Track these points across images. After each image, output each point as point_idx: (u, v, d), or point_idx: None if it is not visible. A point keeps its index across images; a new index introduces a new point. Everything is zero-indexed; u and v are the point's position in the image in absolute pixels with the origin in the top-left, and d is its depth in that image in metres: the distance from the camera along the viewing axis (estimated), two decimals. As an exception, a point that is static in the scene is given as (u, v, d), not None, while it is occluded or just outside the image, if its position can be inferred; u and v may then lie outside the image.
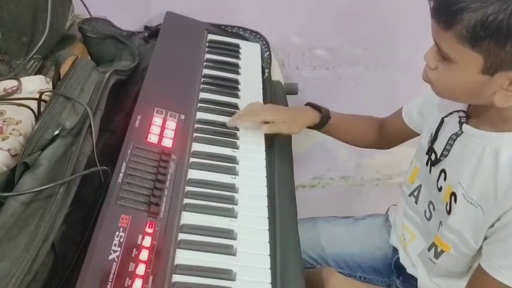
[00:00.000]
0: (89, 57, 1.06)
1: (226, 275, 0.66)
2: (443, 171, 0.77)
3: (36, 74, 0.91)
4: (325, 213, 1.49)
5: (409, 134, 0.93)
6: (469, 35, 0.60)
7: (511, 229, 0.66)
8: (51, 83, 0.87)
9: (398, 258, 0.90)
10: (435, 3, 0.63)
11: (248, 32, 1.20)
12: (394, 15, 1.22)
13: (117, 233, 0.65)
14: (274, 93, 1.10)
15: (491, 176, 0.69)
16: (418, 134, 0.92)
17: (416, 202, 0.86)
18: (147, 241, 0.66)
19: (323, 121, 0.95)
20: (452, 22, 0.61)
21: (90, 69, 0.84)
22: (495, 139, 0.69)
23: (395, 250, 0.93)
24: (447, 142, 0.75)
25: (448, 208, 0.75)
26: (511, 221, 0.66)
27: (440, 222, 0.79)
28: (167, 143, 0.81)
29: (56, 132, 0.70)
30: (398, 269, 0.91)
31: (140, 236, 0.66)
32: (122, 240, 0.65)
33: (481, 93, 0.66)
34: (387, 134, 0.99)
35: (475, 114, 0.73)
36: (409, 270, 0.87)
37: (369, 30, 1.25)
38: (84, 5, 1.09)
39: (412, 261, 0.86)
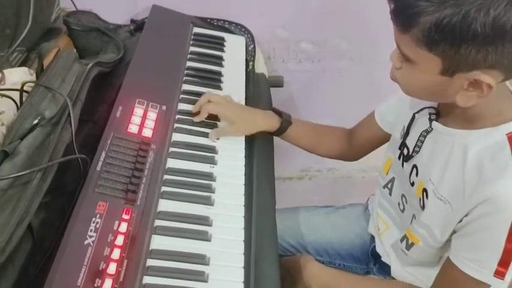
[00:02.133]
0: (75, 50, 1.07)
1: (200, 259, 0.68)
2: (415, 166, 0.79)
3: (20, 66, 0.93)
4: (312, 204, 1.51)
5: (382, 139, 0.91)
6: (425, 38, 0.61)
7: (477, 224, 0.68)
8: (34, 75, 0.89)
9: (374, 246, 0.92)
10: (394, 6, 0.64)
11: (233, 25, 1.21)
12: (379, 9, 1.21)
13: (93, 219, 0.67)
14: (258, 85, 1.11)
15: (459, 173, 0.70)
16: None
17: (390, 194, 0.88)
18: (123, 227, 0.68)
19: (283, 126, 0.93)
20: (410, 25, 0.62)
21: (72, 61, 0.86)
22: (463, 137, 0.70)
23: (372, 238, 0.95)
24: (418, 138, 0.76)
25: (421, 204, 0.77)
26: (479, 216, 0.67)
27: (414, 216, 0.80)
28: (147, 133, 0.83)
29: (35, 122, 0.72)
30: (375, 256, 0.93)
31: (117, 222, 0.68)
32: (98, 226, 0.66)
33: (443, 93, 0.67)
34: (357, 142, 0.97)
35: (444, 112, 0.75)
36: (384, 259, 0.89)
37: (353, 23, 1.26)
38: (70, -2, 1.10)
39: (386, 251, 0.88)
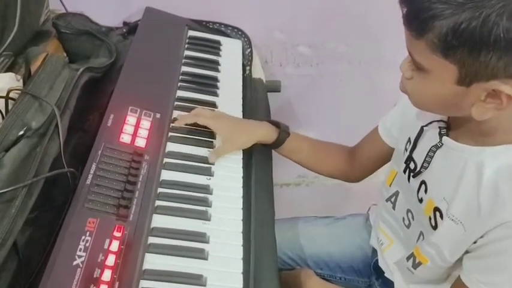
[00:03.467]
0: (65, 54, 1.03)
1: (196, 280, 0.64)
2: (423, 182, 0.74)
3: (7, 71, 0.88)
4: (310, 211, 1.48)
5: (388, 155, 0.85)
6: (441, 44, 0.57)
7: (494, 247, 0.64)
8: (21, 81, 0.85)
9: (377, 260, 0.89)
10: (407, 10, 0.60)
11: (230, 28, 1.17)
12: (378, 11, 1.20)
13: (83, 237, 0.63)
14: (255, 91, 1.08)
15: (473, 192, 0.66)
16: None
17: (394, 208, 0.84)
18: (114, 245, 0.64)
19: (280, 137, 0.87)
20: (424, 30, 0.58)
21: (61, 66, 0.82)
22: (477, 153, 0.66)
23: (375, 251, 0.92)
24: (427, 154, 0.72)
25: (432, 223, 0.73)
26: (496, 239, 0.64)
27: (421, 233, 0.76)
28: (140, 143, 0.79)
29: (21, 133, 0.68)
30: (377, 271, 0.90)
31: (107, 241, 0.64)
32: (88, 244, 0.63)
33: (458, 105, 0.63)
34: (360, 161, 0.91)
35: (455, 125, 0.70)
36: (387, 275, 0.85)
37: (352, 26, 1.23)
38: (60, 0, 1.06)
39: (389, 267, 0.84)
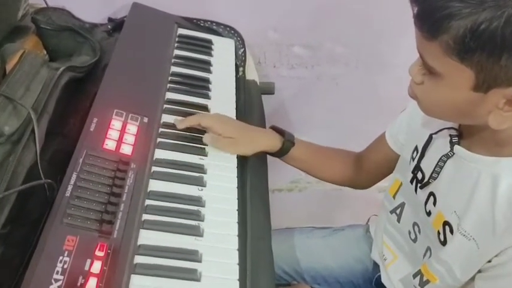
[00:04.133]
0: (44, 52, 0.96)
1: (188, 305, 0.58)
2: (432, 194, 0.70)
3: (-20, 69, 0.81)
4: (303, 217, 1.43)
5: (395, 161, 0.81)
6: (457, 46, 0.52)
7: (509, 268, 0.60)
8: (-5, 80, 0.77)
9: (380, 276, 0.83)
10: (419, 9, 0.55)
11: (222, 26, 1.12)
12: (376, 11, 1.16)
13: (60, 257, 0.56)
14: (249, 93, 1.02)
15: (488, 207, 0.61)
16: None
17: (398, 221, 0.79)
18: (96, 267, 0.57)
19: (285, 147, 0.84)
20: (438, 31, 0.53)
21: (39, 65, 0.75)
22: (492, 165, 0.61)
23: (376, 266, 0.86)
24: (437, 164, 0.67)
25: (441, 238, 0.68)
26: (510, 259, 0.59)
27: (429, 249, 0.71)
28: (126, 149, 0.73)
29: (-8, 139, 0.61)
30: (380, 287, 0.85)
31: (89, 261, 0.57)
32: (66, 266, 0.56)
33: (473, 113, 0.58)
34: (368, 168, 0.87)
35: (468, 134, 0.66)
36: (391, 292, 0.80)
37: (349, 27, 1.18)
38: (40, -7, 0.99)
39: (393, 285, 0.79)
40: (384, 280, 0.82)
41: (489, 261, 0.62)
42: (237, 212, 0.72)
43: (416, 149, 0.74)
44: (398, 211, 0.79)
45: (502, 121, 0.57)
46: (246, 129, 0.83)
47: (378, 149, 0.85)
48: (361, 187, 0.93)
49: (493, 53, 0.51)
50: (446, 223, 0.67)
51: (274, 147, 0.84)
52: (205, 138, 0.79)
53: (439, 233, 0.68)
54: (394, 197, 0.80)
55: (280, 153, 0.85)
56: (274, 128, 0.86)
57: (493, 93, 0.55)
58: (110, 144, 0.72)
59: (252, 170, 0.81)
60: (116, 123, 0.75)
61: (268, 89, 1.14)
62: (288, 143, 0.84)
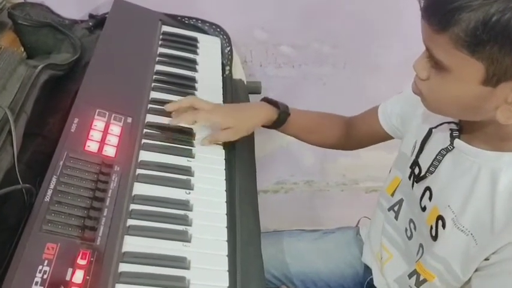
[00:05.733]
0: (22, 49, 0.92)
1: (176, 314, 0.55)
2: (428, 189, 0.69)
3: (-48, 67, 0.77)
4: (289, 219, 1.41)
5: (382, 137, 0.84)
6: (468, 38, 0.51)
7: (507, 266, 0.59)
8: (-31, 79, 0.73)
9: (371, 279, 0.82)
10: (427, 1, 0.54)
11: (207, 24, 1.09)
12: (364, 11, 1.14)
13: (40, 267, 0.53)
14: (236, 92, 1.00)
15: (487, 202, 0.60)
16: (392, 138, 0.84)
17: (396, 218, 0.78)
18: (78, 276, 0.54)
19: (281, 118, 0.84)
20: (448, 23, 0.52)
21: (17, 63, 0.71)
22: (493, 159, 0.60)
23: (367, 269, 0.85)
24: (435, 157, 0.66)
25: (433, 233, 0.67)
26: (510, 256, 0.58)
27: (421, 246, 0.70)
28: (109, 151, 0.70)
29: (-35, 141, 0.57)
30: (371, 290, 0.83)
31: (70, 270, 0.54)
32: (45, 276, 0.53)
33: (481, 108, 0.57)
34: (356, 134, 0.89)
35: (469, 128, 0.65)
36: (385, 294, 0.79)
37: (338, 27, 1.17)
38: (17, -13, 0.95)
39: (388, 285, 0.78)
40: (377, 282, 0.81)
41: (486, 259, 0.61)
42: (226, 216, 0.69)
43: (415, 144, 0.73)
44: (396, 208, 0.78)
45: (510, 116, 0.55)
46: (241, 110, 0.83)
47: (368, 121, 0.85)
48: (347, 149, 0.94)
49: (506, 45, 0.50)
50: (440, 217, 0.66)
51: (271, 119, 0.84)
52: (204, 142, 0.78)
53: (431, 228, 0.67)
54: (392, 194, 0.79)
55: (277, 125, 0.85)
56: (267, 100, 0.86)
57: (502, 87, 0.54)
58: (92, 146, 0.69)
59: (240, 172, 0.79)
60: (98, 124, 0.72)
61: (254, 89, 1.12)
62: (283, 114, 0.84)
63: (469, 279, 0.64)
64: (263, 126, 0.85)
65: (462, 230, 0.63)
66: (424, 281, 0.69)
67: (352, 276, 0.89)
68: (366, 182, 1.46)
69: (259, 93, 1.14)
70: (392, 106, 0.81)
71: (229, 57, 1.07)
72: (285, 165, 1.43)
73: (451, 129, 0.65)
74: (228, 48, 1.08)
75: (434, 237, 0.67)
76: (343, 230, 0.94)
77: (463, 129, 0.65)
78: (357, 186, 1.49)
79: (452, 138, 0.65)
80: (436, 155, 0.66)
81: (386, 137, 0.84)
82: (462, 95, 0.56)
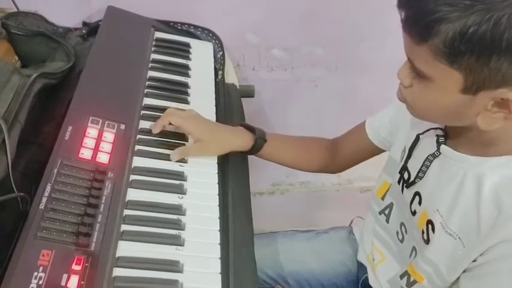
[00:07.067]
0: (16, 58, 0.93)
1: (169, 317, 0.57)
2: (417, 194, 0.70)
3: None
4: (285, 221, 1.42)
5: (371, 153, 0.84)
6: (446, 49, 0.53)
7: (496, 266, 0.60)
8: (-36, 89, 0.74)
9: (366, 278, 0.83)
10: (407, 13, 0.55)
11: (200, 29, 1.10)
12: (354, 14, 1.16)
13: (35, 273, 0.54)
14: (229, 97, 1.01)
15: (473, 206, 0.61)
16: (380, 152, 0.84)
17: (387, 221, 0.79)
18: (73, 282, 0.55)
19: (257, 145, 0.82)
20: (428, 35, 0.53)
21: (10, 72, 0.72)
22: (478, 164, 0.62)
23: (362, 267, 0.86)
24: (423, 163, 0.68)
25: (425, 237, 0.68)
26: (498, 257, 0.59)
27: (414, 248, 0.72)
28: (103, 158, 0.71)
29: (-40, 151, 0.58)
30: (366, 289, 0.85)
31: (65, 276, 0.55)
32: (41, 282, 0.54)
33: (462, 115, 0.58)
34: (343, 154, 0.88)
35: (454, 134, 0.66)
36: (379, 294, 0.80)
37: (329, 30, 1.18)
38: (10, -3, 0.96)
39: (381, 286, 0.79)
40: (371, 282, 0.82)
41: (474, 261, 0.62)
42: (218, 219, 0.70)
43: (404, 150, 0.74)
44: (387, 212, 0.79)
45: (490, 122, 0.57)
46: (215, 129, 0.81)
47: (356, 138, 0.86)
48: (335, 172, 0.94)
49: (482, 55, 0.52)
50: (429, 222, 0.67)
51: (246, 146, 0.83)
52: (173, 156, 0.76)
53: (423, 231, 0.68)
54: (382, 198, 0.80)
55: (253, 151, 0.84)
56: (245, 126, 0.85)
57: (481, 96, 0.55)
58: (85, 153, 0.70)
59: (233, 176, 0.80)
60: (92, 131, 0.73)
61: (248, 92, 1.13)
62: (259, 140, 0.83)
63: (457, 280, 0.65)
64: (241, 152, 0.83)
65: (450, 234, 0.64)
66: (414, 282, 0.70)
67: (346, 275, 0.90)
68: (360, 182, 1.47)
69: (253, 96, 1.15)
70: (381, 119, 0.82)
71: (222, 61, 1.08)
72: (281, 166, 1.44)
73: (437, 135, 0.67)
74: (221, 53, 1.09)
75: (427, 241, 0.68)
76: (336, 230, 0.96)
77: (449, 135, 0.67)
78: (352, 186, 1.50)
79: (438, 144, 0.66)
80: (424, 161, 0.68)
81: (375, 152, 0.84)
82: (444, 102, 0.58)
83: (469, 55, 0.52)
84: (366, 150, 0.85)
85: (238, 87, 1.07)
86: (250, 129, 0.84)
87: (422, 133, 0.70)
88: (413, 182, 0.70)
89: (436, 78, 0.56)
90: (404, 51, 0.58)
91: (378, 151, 0.84)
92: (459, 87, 0.55)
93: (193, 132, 0.77)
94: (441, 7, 0.51)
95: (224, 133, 0.82)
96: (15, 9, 0.98)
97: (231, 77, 1.07)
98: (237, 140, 0.82)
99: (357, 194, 1.50)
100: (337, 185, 1.50)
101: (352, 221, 0.98)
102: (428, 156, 0.67)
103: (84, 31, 1.03)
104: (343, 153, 0.89)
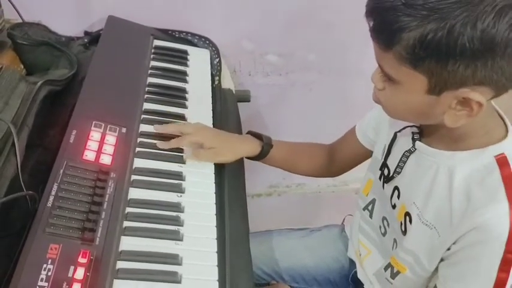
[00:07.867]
0: (22, 66, 0.97)
1: (169, 306, 0.60)
2: (396, 188, 0.74)
3: (-43, 85, 0.82)
4: (282, 222, 1.45)
5: (365, 155, 0.88)
6: (408, 55, 0.57)
7: (466, 253, 0.64)
8: (-26, 96, 0.79)
9: (356, 272, 0.87)
10: (374, 23, 0.60)
11: (197, 37, 1.14)
12: (345, 20, 1.19)
13: (44, 265, 0.58)
14: (225, 101, 1.05)
15: (445, 197, 0.66)
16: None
17: (371, 216, 0.83)
18: (79, 273, 0.59)
19: (264, 151, 0.87)
20: (392, 42, 0.58)
21: (17, 80, 0.77)
22: (448, 158, 0.66)
23: (352, 263, 0.90)
24: (400, 159, 0.72)
25: (403, 228, 0.72)
26: (468, 244, 0.63)
27: (395, 240, 0.76)
28: (106, 160, 0.75)
29: (-27, 154, 0.62)
30: (356, 283, 0.88)
31: (72, 268, 0.59)
32: (50, 274, 0.58)
33: (430, 114, 0.63)
34: (338, 159, 0.92)
35: (428, 131, 0.71)
36: (366, 287, 0.84)
37: (321, 35, 1.22)
38: (15, 8, 1.00)
39: (369, 279, 0.83)
40: (360, 276, 0.86)
41: (448, 249, 0.66)
42: (215, 216, 0.74)
43: (384, 148, 0.78)
44: (370, 207, 0.83)
45: (456, 119, 0.61)
46: (226, 137, 0.86)
47: (349, 142, 0.90)
48: (331, 176, 0.98)
49: (440, 59, 0.56)
50: (407, 214, 0.71)
51: (254, 152, 0.87)
52: (186, 154, 0.81)
53: (401, 223, 0.73)
54: (367, 195, 0.84)
55: (260, 157, 0.88)
56: (252, 133, 0.90)
57: (445, 96, 0.60)
58: (89, 155, 0.74)
59: (229, 175, 0.84)
60: (95, 135, 0.77)
61: (244, 97, 1.16)
62: (266, 146, 0.88)
63: (437, 268, 0.69)
64: (247, 158, 0.88)
65: (426, 224, 0.68)
66: (398, 273, 0.74)
67: (338, 270, 0.93)
68: (355, 183, 1.50)
69: (249, 101, 1.19)
70: (368, 121, 0.86)
71: (218, 67, 1.12)
72: (277, 169, 1.48)
73: (412, 133, 0.71)
74: (217, 60, 1.13)
75: (404, 232, 0.72)
76: (329, 228, 1.00)
77: (423, 133, 0.71)
78: (347, 187, 1.53)
79: (414, 140, 0.71)
80: (401, 157, 0.72)
81: (368, 154, 0.87)
82: (413, 103, 0.62)
83: (429, 59, 0.57)
84: (359, 153, 0.89)
85: (234, 92, 1.11)
86: (257, 136, 0.89)
87: (399, 131, 0.74)
88: (392, 177, 0.74)
89: (403, 81, 0.61)
90: (375, 58, 0.63)
91: (369, 154, 0.87)
92: (424, 88, 0.60)
93: (206, 141, 0.82)
94: (402, 17, 0.56)
95: (233, 140, 0.87)
96: (20, 20, 1.02)
97: (227, 82, 1.11)
98: (246, 146, 0.87)
99: (352, 196, 1.53)
100: (333, 187, 1.54)
101: (344, 219, 1.02)
102: (405, 152, 0.72)
103: (86, 40, 1.07)
104: (339, 158, 0.93)
